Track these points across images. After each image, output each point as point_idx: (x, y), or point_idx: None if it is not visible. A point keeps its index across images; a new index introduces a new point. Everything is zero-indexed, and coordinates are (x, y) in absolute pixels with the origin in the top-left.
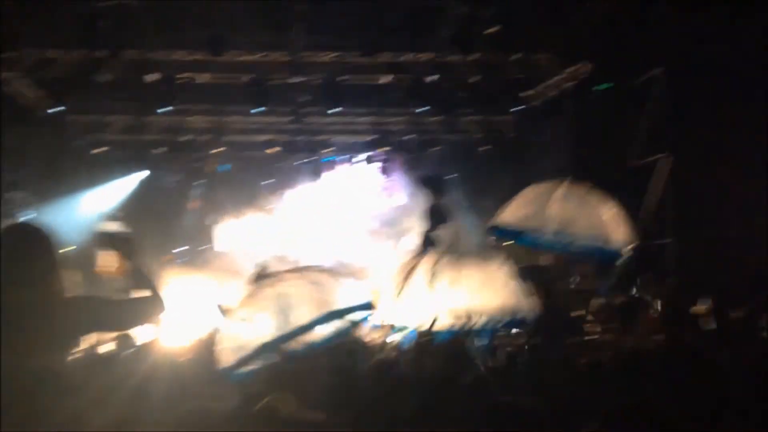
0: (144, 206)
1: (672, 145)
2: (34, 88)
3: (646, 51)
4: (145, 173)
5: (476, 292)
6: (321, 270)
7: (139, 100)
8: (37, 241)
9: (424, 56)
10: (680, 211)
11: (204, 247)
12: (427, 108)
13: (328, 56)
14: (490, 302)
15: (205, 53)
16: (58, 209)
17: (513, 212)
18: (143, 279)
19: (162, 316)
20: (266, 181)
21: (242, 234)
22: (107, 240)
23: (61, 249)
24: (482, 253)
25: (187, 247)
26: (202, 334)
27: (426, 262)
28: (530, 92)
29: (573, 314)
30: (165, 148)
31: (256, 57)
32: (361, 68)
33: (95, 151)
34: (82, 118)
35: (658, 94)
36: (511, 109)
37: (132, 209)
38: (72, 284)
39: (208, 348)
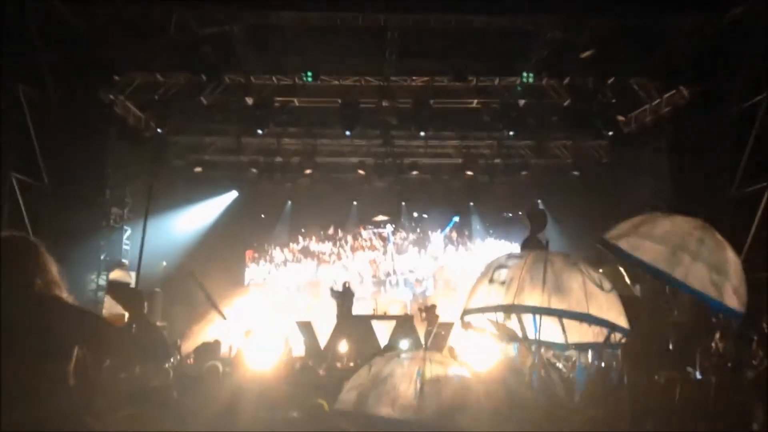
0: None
1: None
2: (139, 109)
3: (749, 76)
4: (233, 194)
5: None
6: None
7: (237, 122)
8: (21, 253)
9: (514, 80)
10: None
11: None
12: (516, 132)
13: (418, 81)
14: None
15: (300, 78)
16: (155, 225)
17: (638, 239)
18: (149, 330)
19: (166, 363)
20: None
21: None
22: (116, 289)
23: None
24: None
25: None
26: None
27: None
28: (624, 117)
29: (670, 348)
30: (257, 170)
31: (349, 81)
32: (451, 92)
33: (196, 170)
34: (182, 138)
35: (762, 121)
36: (604, 134)
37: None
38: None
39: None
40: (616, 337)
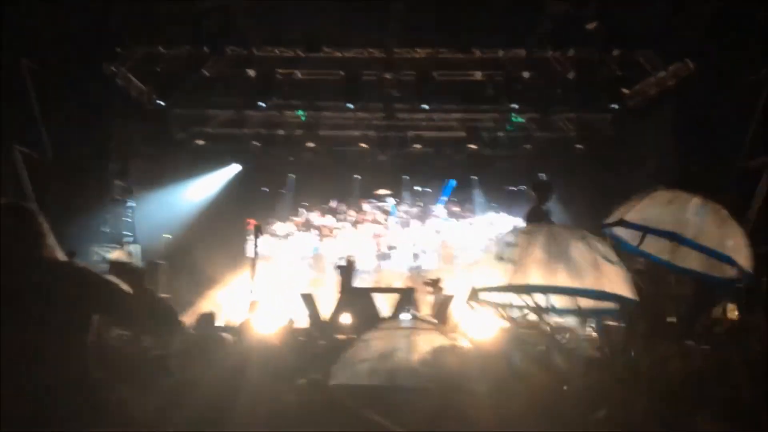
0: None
1: None
2: (141, 82)
3: (755, 49)
4: (236, 167)
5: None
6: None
7: (239, 95)
8: (24, 222)
9: (518, 52)
10: None
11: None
12: (520, 105)
13: (421, 52)
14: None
15: (303, 50)
16: (158, 198)
17: (641, 213)
18: (155, 302)
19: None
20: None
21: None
22: (117, 269)
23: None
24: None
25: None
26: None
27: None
28: (629, 90)
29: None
30: (259, 143)
31: (351, 53)
32: (455, 64)
33: (197, 142)
34: (184, 111)
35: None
36: (609, 108)
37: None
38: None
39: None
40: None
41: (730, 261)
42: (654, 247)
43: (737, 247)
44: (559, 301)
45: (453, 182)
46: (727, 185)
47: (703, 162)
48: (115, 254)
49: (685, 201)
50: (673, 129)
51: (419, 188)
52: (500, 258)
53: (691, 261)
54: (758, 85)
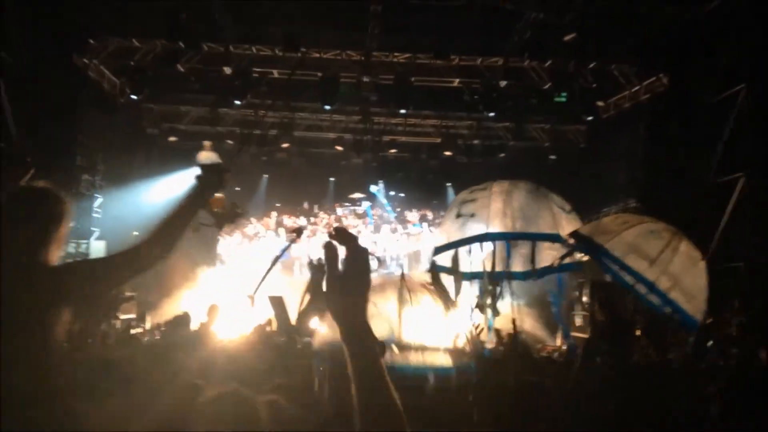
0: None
1: (750, 164)
2: (114, 75)
3: (728, 67)
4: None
5: None
6: None
7: (214, 92)
8: (31, 207)
9: (496, 61)
10: (756, 233)
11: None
12: (495, 113)
13: (400, 57)
14: None
15: (280, 49)
16: (127, 194)
17: (621, 244)
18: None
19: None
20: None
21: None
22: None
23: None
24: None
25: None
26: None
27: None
28: (603, 103)
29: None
30: (233, 142)
31: (329, 55)
32: (433, 70)
33: (170, 139)
34: (158, 107)
35: (739, 112)
36: (583, 119)
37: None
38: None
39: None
40: (576, 257)
41: (687, 320)
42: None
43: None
44: (517, 264)
45: (377, 186)
46: (696, 201)
47: (673, 177)
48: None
49: (665, 238)
50: (645, 143)
51: (393, 193)
52: (458, 215)
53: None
54: (728, 103)
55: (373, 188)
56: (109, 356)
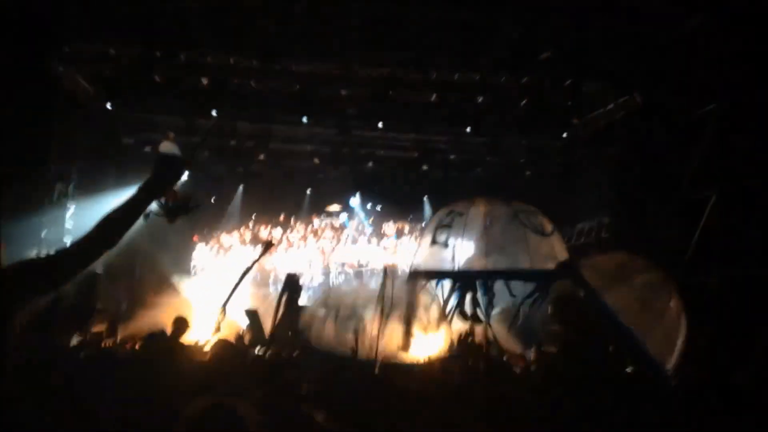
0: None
1: (722, 182)
2: (89, 82)
3: (700, 86)
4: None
5: None
6: None
7: (191, 101)
8: None
9: (473, 76)
10: (726, 249)
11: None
12: (471, 128)
13: (378, 71)
14: None
15: (258, 60)
16: (101, 204)
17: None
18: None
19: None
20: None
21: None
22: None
23: None
24: None
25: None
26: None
27: None
28: (582, 119)
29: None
30: (209, 152)
31: (307, 67)
32: (411, 84)
33: (146, 149)
34: (133, 115)
35: (711, 131)
36: (559, 135)
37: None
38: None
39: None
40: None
41: (657, 369)
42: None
43: (670, 347)
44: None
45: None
46: (670, 216)
47: (648, 193)
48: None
49: (634, 273)
50: (620, 159)
51: (370, 205)
52: (434, 241)
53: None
54: (702, 120)
55: (351, 201)
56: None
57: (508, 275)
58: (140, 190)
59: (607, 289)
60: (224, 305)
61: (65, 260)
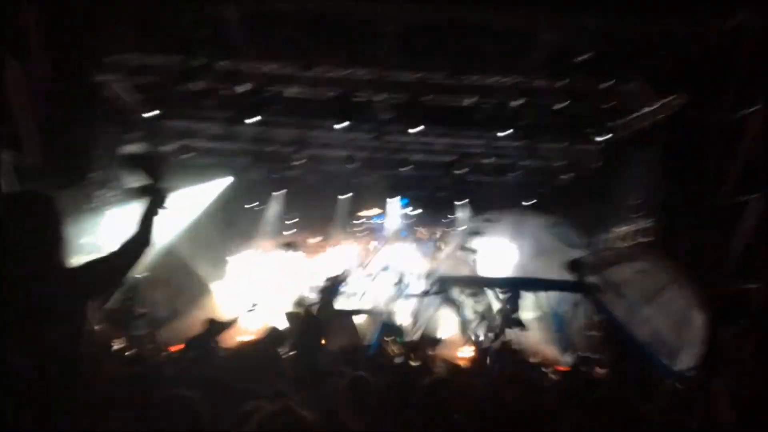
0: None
1: (766, 185)
2: (130, 92)
3: (744, 85)
4: (229, 179)
5: None
6: None
7: (228, 109)
8: (40, 211)
9: (509, 80)
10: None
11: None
12: (509, 132)
13: (413, 76)
14: None
15: (295, 67)
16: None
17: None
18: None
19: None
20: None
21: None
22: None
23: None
24: None
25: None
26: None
27: None
28: (619, 122)
29: None
30: (249, 157)
31: (343, 73)
32: (446, 89)
33: (184, 156)
34: (174, 123)
35: (755, 130)
36: (598, 138)
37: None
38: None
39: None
40: None
41: (667, 364)
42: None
43: (688, 341)
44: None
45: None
46: (709, 221)
47: (688, 197)
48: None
49: (659, 276)
50: (660, 162)
51: (406, 210)
52: (463, 248)
53: (650, 330)
54: (745, 121)
55: (390, 204)
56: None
57: (542, 285)
58: (148, 207)
59: (627, 294)
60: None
61: (116, 259)
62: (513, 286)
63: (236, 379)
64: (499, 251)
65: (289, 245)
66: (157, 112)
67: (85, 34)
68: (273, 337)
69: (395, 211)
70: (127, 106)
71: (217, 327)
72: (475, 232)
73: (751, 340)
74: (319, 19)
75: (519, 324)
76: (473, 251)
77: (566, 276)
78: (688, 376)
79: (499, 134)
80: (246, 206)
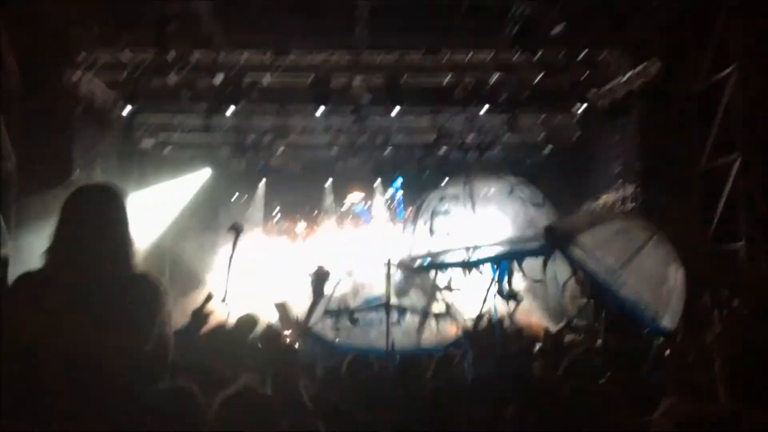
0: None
1: (744, 147)
2: (105, 88)
3: (719, 51)
4: (207, 171)
5: None
6: None
7: (206, 100)
8: (114, 205)
9: (486, 55)
10: (752, 215)
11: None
12: (488, 107)
13: (390, 56)
14: None
15: (270, 54)
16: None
17: (592, 238)
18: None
19: None
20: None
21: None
22: None
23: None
24: None
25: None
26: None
27: None
28: (596, 92)
29: None
30: (228, 149)
31: (319, 58)
32: (423, 68)
33: (164, 151)
34: (150, 118)
35: (731, 95)
36: (576, 109)
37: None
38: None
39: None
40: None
41: (653, 323)
42: (600, 269)
43: (669, 299)
44: (480, 253)
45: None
46: (690, 185)
47: (666, 164)
48: None
49: (635, 237)
50: (639, 129)
51: (391, 192)
52: (432, 231)
53: (630, 291)
54: (719, 86)
55: (373, 188)
56: None
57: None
58: None
59: (605, 254)
60: (223, 299)
61: None
62: (494, 261)
63: (211, 366)
64: (467, 224)
65: (275, 233)
66: (132, 107)
67: (58, 30)
68: (245, 324)
69: (379, 194)
70: (103, 103)
71: (201, 318)
72: (441, 212)
73: (741, 297)
74: (292, 3)
75: (514, 296)
76: (446, 232)
77: (536, 236)
78: (671, 334)
79: (480, 110)
80: (229, 197)
